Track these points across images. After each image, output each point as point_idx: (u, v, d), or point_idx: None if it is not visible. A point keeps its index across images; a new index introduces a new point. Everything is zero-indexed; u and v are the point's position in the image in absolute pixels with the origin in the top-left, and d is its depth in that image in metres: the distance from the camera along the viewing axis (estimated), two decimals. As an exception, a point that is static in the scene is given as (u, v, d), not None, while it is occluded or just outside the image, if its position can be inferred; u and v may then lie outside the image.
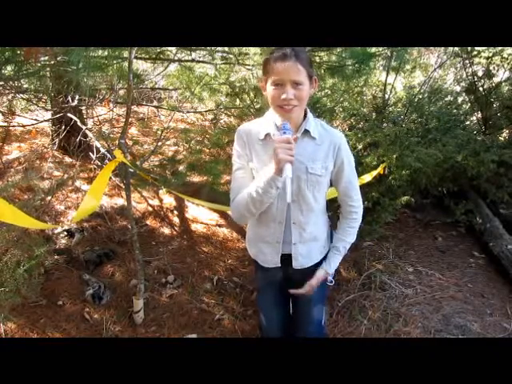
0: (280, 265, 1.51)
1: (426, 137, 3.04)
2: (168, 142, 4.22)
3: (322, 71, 2.80)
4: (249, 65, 2.75)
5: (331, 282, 1.61)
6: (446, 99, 3.81)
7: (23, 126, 3.74)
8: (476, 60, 3.71)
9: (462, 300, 2.40)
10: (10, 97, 2.99)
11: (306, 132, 1.35)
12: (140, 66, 4.18)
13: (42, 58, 1.80)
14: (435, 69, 4.72)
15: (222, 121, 4.49)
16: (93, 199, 1.66)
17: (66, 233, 2.59)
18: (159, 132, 4.36)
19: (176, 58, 3.08)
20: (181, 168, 2.89)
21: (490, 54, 3.54)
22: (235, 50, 2.73)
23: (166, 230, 2.93)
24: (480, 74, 3.74)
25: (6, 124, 3.53)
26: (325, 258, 1.55)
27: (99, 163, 3.26)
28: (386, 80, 3.53)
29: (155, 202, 3.26)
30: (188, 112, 4.54)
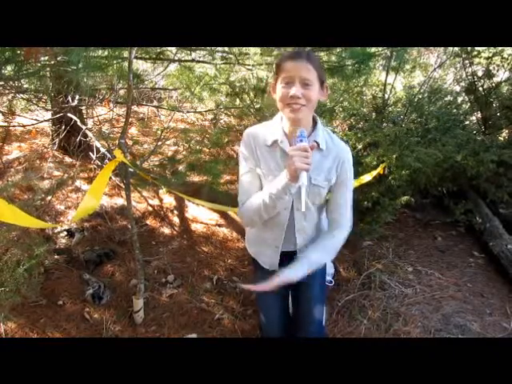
0: (278, 267, 1.51)
1: (425, 137, 3.04)
2: (168, 142, 4.21)
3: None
4: (249, 65, 2.75)
5: (331, 282, 1.62)
6: (446, 99, 3.81)
7: (23, 126, 3.74)
8: (476, 60, 3.71)
9: (461, 300, 2.40)
10: (10, 97, 2.99)
11: (315, 143, 1.33)
12: (140, 65, 4.18)
13: (42, 58, 1.80)
14: (435, 69, 4.72)
15: (221, 121, 4.49)
16: (93, 199, 1.66)
17: (66, 232, 2.59)
18: (159, 132, 4.36)
19: (176, 58, 3.08)
20: (181, 168, 2.89)
21: (490, 54, 3.54)
22: (235, 49, 2.73)
23: (166, 230, 2.94)
24: (480, 73, 3.74)
25: (6, 124, 3.53)
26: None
27: (99, 163, 3.26)
28: (385, 80, 3.53)
29: (155, 202, 3.26)
30: (188, 112, 4.54)
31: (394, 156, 2.63)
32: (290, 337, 1.56)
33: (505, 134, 3.99)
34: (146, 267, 2.45)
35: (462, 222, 3.16)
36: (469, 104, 3.96)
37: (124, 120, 1.85)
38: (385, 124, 3.35)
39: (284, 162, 1.29)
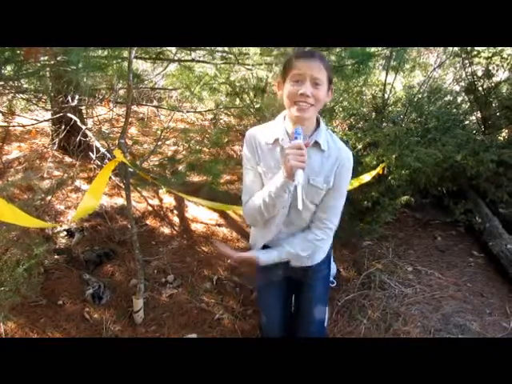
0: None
1: (425, 136, 3.04)
2: (168, 142, 4.21)
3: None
4: (249, 64, 2.75)
5: (333, 282, 1.62)
6: (446, 99, 3.80)
7: (23, 126, 3.74)
8: (475, 60, 3.71)
9: (461, 299, 2.40)
10: (9, 97, 2.99)
11: (316, 143, 1.32)
12: (140, 65, 4.19)
13: (42, 58, 1.80)
14: (434, 68, 4.72)
15: (221, 120, 4.49)
16: (92, 199, 1.66)
17: (65, 232, 2.59)
18: (159, 132, 4.36)
19: (176, 58, 3.08)
20: (180, 168, 2.89)
21: (490, 54, 3.54)
22: (235, 49, 2.73)
23: (166, 230, 2.94)
24: (479, 73, 3.74)
25: (5, 124, 3.53)
26: (327, 257, 1.56)
27: (99, 163, 3.26)
28: (385, 80, 3.53)
29: (155, 202, 3.26)
30: (188, 112, 4.54)
31: (394, 156, 2.63)
32: (290, 336, 1.56)
33: (504, 133, 3.99)
34: (146, 267, 2.45)
35: (461, 222, 3.16)
36: (468, 104, 3.96)
37: (124, 120, 1.85)
38: (384, 124, 3.35)
39: (283, 160, 1.29)
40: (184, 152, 3.39)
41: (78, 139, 3.34)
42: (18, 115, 3.66)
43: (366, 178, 2.60)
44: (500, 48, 3.43)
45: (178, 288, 2.36)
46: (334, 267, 2.38)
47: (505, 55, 3.52)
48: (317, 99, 1.22)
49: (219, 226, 3.08)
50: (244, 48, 2.73)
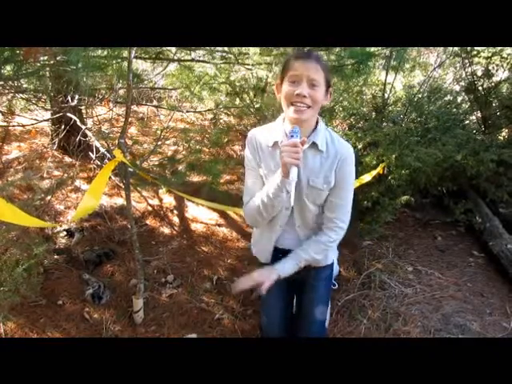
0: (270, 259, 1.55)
1: (425, 136, 3.04)
2: (168, 142, 4.21)
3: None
4: (248, 64, 2.75)
5: (334, 285, 1.63)
6: (446, 99, 3.80)
7: (23, 126, 3.74)
8: (475, 60, 3.71)
9: (461, 299, 2.40)
10: (9, 97, 2.99)
11: (314, 144, 1.33)
12: (140, 65, 4.18)
13: (42, 58, 1.80)
14: (435, 68, 4.72)
15: (221, 120, 4.49)
16: (92, 199, 1.65)
17: (65, 232, 2.59)
18: (159, 132, 4.36)
19: (175, 58, 3.07)
20: (180, 168, 2.89)
21: (490, 54, 3.53)
22: (235, 49, 2.73)
23: (166, 230, 2.94)
24: (479, 73, 3.74)
25: (5, 124, 3.53)
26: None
27: (99, 163, 3.26)
28: (385, 79, 3.53)
29: (155, 202, 3.26)
30: (188, 111, 4.54)
31: (394, 155, 2.63)
32: (290, 336, 1.56)
33: (504, 133, 3.99)
34: (146, 267, 2.45)
35: (461, 222, 3.16)
36: (468, 103, 3.96)
37: (124, 120, 1.85)
38: (385, 123, 3.35)
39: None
40: (184, 152, 3.39)
41: (77, 139, 3.34)
42: (18, 115, 3.65)
43: (366, 177, 2.61)
44: (500, 48, 3.42)
45: (178, 288, 2.36)
46: (336, 269, 2.38)
47: (504, 55, 3.52)
48: (314, 100, 1.22)
49: (219, 225, 3.08)
50: (244, 48, 2.73)
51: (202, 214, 3.19)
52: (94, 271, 2.37)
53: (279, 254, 1.50)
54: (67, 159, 3.56)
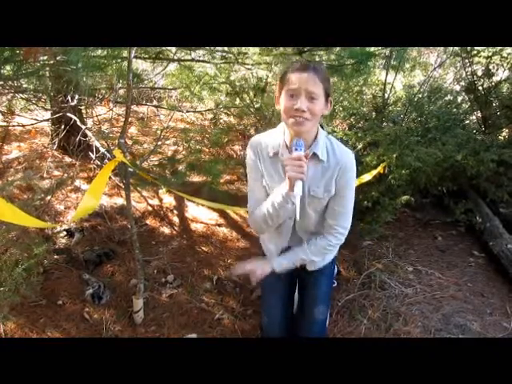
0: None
1: (425, 136, 3.04)
2: (168, 142, 4.21)
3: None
4: (248, 64, 2.75)
5: (334, 283, 1.64)
6: (446, 98, 3.80)
7: (23, 126, 3.74)
8: (476, 59, 3.71)
9: (461, 299, 2.40)
10: (9, 96, 2.99)
11: (314, 155, 1.33)
12: (139, 65, 4.18)
13: (42, 58, 1.79)
14: (435, 68, 4.72)
15: (221, 120, 4.49)
16: (92, 199, 1.65)
17: (65, 232, 2.59)
18: (159, 131, 4.36)
19: (175, 58, 3.07)
20: (180, 168, 2.89)
21: (490, 54, 3.53)
22: (234, 49, 2.73)
23: (166, 230, 2.93)
24: (479, 73, 3.74)
25: (5, 124, 3.53)
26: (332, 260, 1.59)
27: (99, 163, 3.26)
28: (385, 79, 3.53)
29: (155, 202, 3.25)
30: (188, 111, 4.53)
31: (394, 155, 2.62)
32: (291, 336, 1.57)
33: (505, 133, 3.99)
34: (146, 267, 2.45)
35: (462, 222, 3.15)
36: (469, 103, 3.96)
37: (124, 119, 1.84)
38: (385, 123, 3.35)
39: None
40: (184, 152, 3.39)
41: (77, 139, 3.34)
42: (18, 115, 3.65)
43: (367, 177, 2.60)
44: (500, 47, 3.42)
45: (178, 288, 2.36)
46: (335, 268, 2.38)
47: (505, 54, 3.52)
48: (313, 113, 1.21)
49: (219, 225, 3.08)
50: (244, 47, 2.72)
51: (202, 214, 3.19)
52: (93, 271, 2.37)
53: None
54: (67, 159, 3.56)
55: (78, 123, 3.14)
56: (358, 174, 2.54)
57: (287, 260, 1.44)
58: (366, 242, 2.97)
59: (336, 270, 2.43)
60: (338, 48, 2.65)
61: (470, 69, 3.73)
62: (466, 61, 3.72)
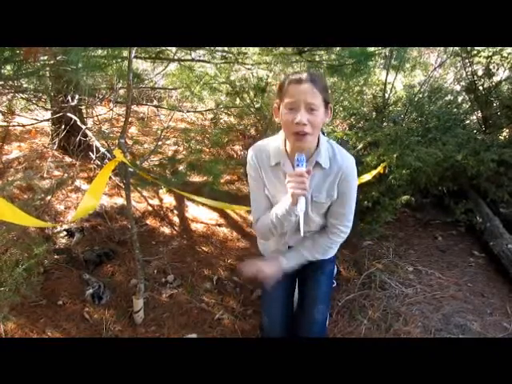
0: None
1: (426, 136, 3.03)
2: (168, 142, 4.21)
3: (322, 70, 2.79)
4: (248, 64, 2.75)
5: (333, 283, 1.65)
6: (446, 98, 3.81)
7: (23, 126, 3.74)
8: (476, 59, 3.71)
9: (461, 299, 2.40)
10: (9, 96, 2.99)
11: (317, 163, 1.34)
12: (140, 65, 4.19)
13: (42, 58, 1.80)
14: (435, 68, 4.72)
15: (221, 120, 4.49)
16: (92, 198, 1.65)
17: (65, 232, 2.59)
18: (159, 131, 4.36)
19: (176, 58, 3.07)
20: (181, 168, 2.89)
21: (490, 54, 3.53)
22: (234, 49, 2.73)
23: (166, 230, 2.93)
24: (480, 73, 3.74)
25: (5, 124, 3.53)
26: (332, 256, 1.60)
27: (99, 163, 3.26)
28: (385, 79, 3.53)
29: (155, 202, 3.25)
30: (188, 111, 4.53)
31: (395, 155, 2.62)
32: (291, 336, 1.57)
33: (505, 133, 3.99)
34: (146, 267, 2.45)
35: (462, 222, 3.15)
36: (469, 103, 3.95)
37: (124, 119, 1.84)
38: (385, 123, 3.35)
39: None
40: (184, 152, 3.39)
41: (77, 139, 3.34)
42: (18, 115, 3.65)
43: (367, 177, 2.60)
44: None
45: (178, 288, 2.36)
46: (335, 268, 2.38)
47: (505, 54, 3.52)
48: (314, 126, 1.21)
49: (219, 225, 3.08)
50: (244, 47, 2.73)
51: (202, 214, 3.19)
52: (94, 271, 2.37)
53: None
54: (67, 159, 3.56)
55: (79, 123, 3.14)
56: (358, 174, 2.53)
57: (294, 261, 1.48)
58: (366, 241, 2.97)
59: (336, 270, 2.43)
60: (338, 48, 2.64)
61: (470, 69, 3.73)
62: (467, 61, 3.72)
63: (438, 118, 3.27)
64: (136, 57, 2.51)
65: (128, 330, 2.02)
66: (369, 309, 2.27)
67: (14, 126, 3.72)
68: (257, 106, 3.41)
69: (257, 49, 2.56)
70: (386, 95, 3.61)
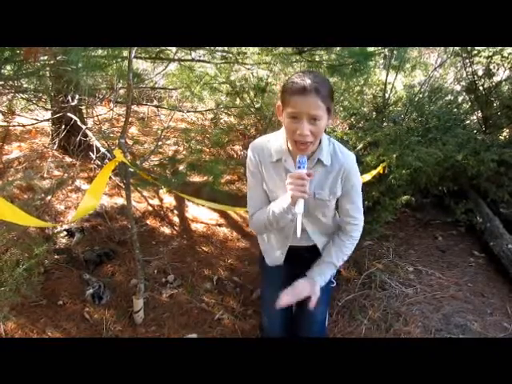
0: (282, 263, 1.62)
1: (426, 136, 3.03)
2: (168, 142, 4.22)
3: (322, 70, 2.79)
4: (248, 64, 2.74)
5: (333, 283, 1.65)
6: (446, 98, 3.81)
7: (23, 126, 3.74)
8: (476, 59, 3.70)
9: (462, 299, 2.40)
10: (9, 96, 2.99)
11: (319, 161, 1.34)
12: (140, 65, 4.19)
13: (42, 58, 1.80)
14: (435, 68, 4.72)
15: (222, 120, 4.49)
16: (92, 199, 1.65)
17: (65, 232, 2.59)
18: (159, 131, 4.37)
19: (176, 58, 3.07)
20: (181, 168, 2.89)
21: (490, 53, 3.53)
22: (234, 49, 2.73)
23: (166, 230, 2.94)
24: (480, 73, 3.74)
25: (5, 124, 3.53)
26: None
27: (99, 163, 3.26)
28: (386, 79, 3.53)
29: (155, 202, 3.26)
30: (188, 111, 4.54)
31: (395, 155, 2.62)
32: (290, 336, 1.57)
33: (505, 133, 3.99)
34: (146, 267, 2.45)
35: (462, 222, 3.15)
36: (469, 103, 3.95)
37: (124, 119, 1.84)
38: (385, 123, 3.34)
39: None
40: (184, 152, 3.39)
41: (78, 139, 3.34)
42: (18, 115, 3.66)
43: (367, 177, 2.60)
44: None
45: (178, 288, 2.36)
46: None
47: (505, 54, 3.52)
48: (316, 135, 1.21)
49: (219, 226, 3.08)
50: (243, 47, 2.72)
51: (202, 214, 3.19)
52: (94, 271, 2.37)
53: (292, 252, 1.59)
54: (67, 159, 3.56)
55: (79, 123, 3.14)
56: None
57: (329, 273, 1.49)
58: (367, 241, 2.97)
59: (336, 270, 2.43)
60: (337, 48, 2.64)
61: (470, 69, 3.73)
62: (467, 61, 3.72)
63: (438, 117, 3.27)
64: (136, 57, 2.51)
65: (128, 330, 2.02)
66: (369, 309, 2.27)
67: (14, 125, 3.72)
68: (257, 106, 3.40)
69: (257, 49, 2.55)
70: (386, 95, 3.61)
